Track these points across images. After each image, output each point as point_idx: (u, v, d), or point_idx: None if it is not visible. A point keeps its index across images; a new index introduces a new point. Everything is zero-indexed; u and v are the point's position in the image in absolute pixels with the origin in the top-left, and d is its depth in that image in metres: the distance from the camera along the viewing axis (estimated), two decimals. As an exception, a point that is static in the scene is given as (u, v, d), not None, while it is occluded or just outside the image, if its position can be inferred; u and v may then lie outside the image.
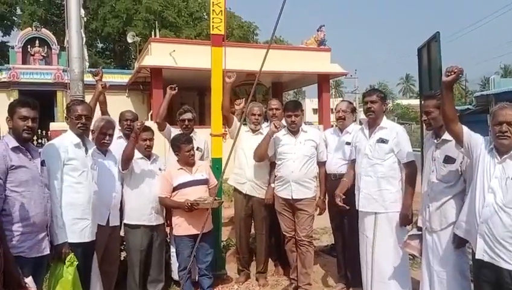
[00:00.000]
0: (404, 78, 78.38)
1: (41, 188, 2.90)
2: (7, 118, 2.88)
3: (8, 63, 18.47)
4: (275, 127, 4.24)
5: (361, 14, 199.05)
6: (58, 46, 18.45)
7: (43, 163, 3.02)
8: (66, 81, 17.48)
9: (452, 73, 2.76)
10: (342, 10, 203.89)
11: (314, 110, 36.24)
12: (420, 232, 3.50)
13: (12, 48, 18.76)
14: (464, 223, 2.92)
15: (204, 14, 30.54)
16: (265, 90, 16.88)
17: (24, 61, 17.85)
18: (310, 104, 45.28)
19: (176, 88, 4.59)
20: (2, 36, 31.97)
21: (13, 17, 31.02)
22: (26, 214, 2.75)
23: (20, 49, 17.84)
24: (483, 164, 2.77)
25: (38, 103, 2.94)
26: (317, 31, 16.59)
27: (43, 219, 2.88)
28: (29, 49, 18.00)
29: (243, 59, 11.64)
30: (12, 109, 2.89)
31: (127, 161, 3.99)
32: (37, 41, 18.06)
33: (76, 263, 3.11)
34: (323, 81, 16.40)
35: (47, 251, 2.92)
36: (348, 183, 4.06)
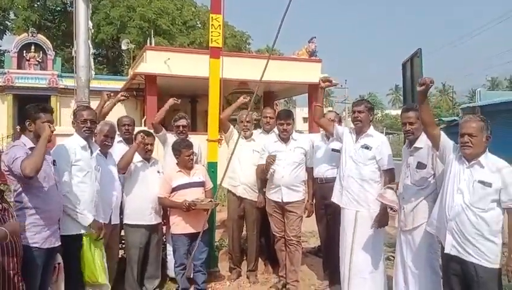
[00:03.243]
0: (393, 89, 79.26)
1: (54, 185, 3.18)
2: (27, 121, 3.14)
3: (2, 67, 18.64)
4: (272, 160, 4.52)
5: (353, 25, 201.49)
6: (54, 52, 18.66)
7: (54, 162, 3.31)
8: (60, 86, 17.82)
9: (423, 84, 3.12)
10: (334, 22, 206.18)
11: (305, 119, 36.68)
12: (392, 186, 3.81)
13: (4, 52, 18.90)
14: (434, 220, 3.25)
15: (198, 22, 30.93)
16: (257, 98, 17.22)
17: (19, 66, 18.04)
18: (300, 113, 45.69)
19: (179, 101, 5.00)
20: (-5, 40, 32.09)
21: (6, 22, 31.14)
22: (43, 207, 3.03)
23: (16, 54, 18.02)
24: (454, 168, 3.11)
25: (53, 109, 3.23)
26: (309, 42, 16.98)
27: (57, 213, 3.16)
28: (24, 54, 18.18)
29: (236, 68, 11.93)
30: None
31: (126, 165, 4.28)
32: (32, 47, 18.25)
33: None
34: (314, 91, 16.72)
35: (58, 243, 3.20)
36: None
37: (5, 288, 2.59)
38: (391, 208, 3.71)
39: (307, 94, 17.22)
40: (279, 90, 18.44)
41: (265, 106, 16.65)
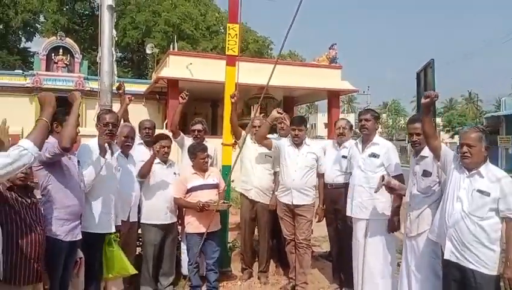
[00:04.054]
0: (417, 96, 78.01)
1: (78, 183, 3.42)
2: (55, 123, 3.36)
3: (31, 68, 19.30)
4: (277, 112, 4.77)
5: (377, 32, 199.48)
6: (81, 55, 19.24)
7: (78, 162, 3.54)
8: (86, 89, 18.35)
9: (428, 97, 3.25)
10: (358, 27, 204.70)
11: (325, 125, 36.57)
12: (387, 176, 3.90)
13: (34, 54, 19.51)
14: (436, 227, 3.36)
15: (221, 28, 31.38)
16: (276, 103, 17.38)
17: (48, 68, 18.67)
18: (322, 118, 45.58)
19: (186, 96, 4.99)
20: (25, 42, 33.28)
21: (36, 24, 32.26)
22: (66, 203, 3.26)
23: (45, 57, 18.65)
24: (455, 177, 3.22)
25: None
26: (329, 48, 17.10)
27: (79, 209, 3.39)
28: (53, 57, 18.81)
29: (256, 73, 12.11)
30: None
31: (145, 174, 4.52)
32: (60, 50, 18.87)
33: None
34: (333, 97, 16.87)
35: (80, 237, 3.42)
36: None
37: (26, 275, 2.80)
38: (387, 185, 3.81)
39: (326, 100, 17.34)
40: (299, 96, 18.60)
41: (285, 110, 16.83)
